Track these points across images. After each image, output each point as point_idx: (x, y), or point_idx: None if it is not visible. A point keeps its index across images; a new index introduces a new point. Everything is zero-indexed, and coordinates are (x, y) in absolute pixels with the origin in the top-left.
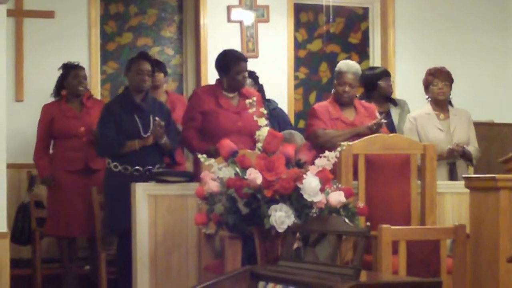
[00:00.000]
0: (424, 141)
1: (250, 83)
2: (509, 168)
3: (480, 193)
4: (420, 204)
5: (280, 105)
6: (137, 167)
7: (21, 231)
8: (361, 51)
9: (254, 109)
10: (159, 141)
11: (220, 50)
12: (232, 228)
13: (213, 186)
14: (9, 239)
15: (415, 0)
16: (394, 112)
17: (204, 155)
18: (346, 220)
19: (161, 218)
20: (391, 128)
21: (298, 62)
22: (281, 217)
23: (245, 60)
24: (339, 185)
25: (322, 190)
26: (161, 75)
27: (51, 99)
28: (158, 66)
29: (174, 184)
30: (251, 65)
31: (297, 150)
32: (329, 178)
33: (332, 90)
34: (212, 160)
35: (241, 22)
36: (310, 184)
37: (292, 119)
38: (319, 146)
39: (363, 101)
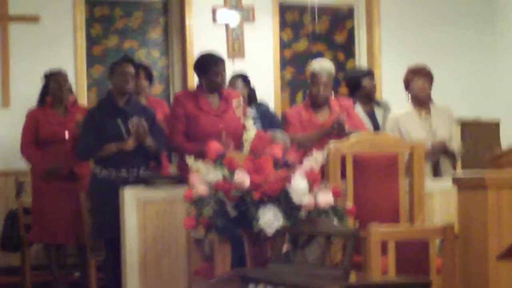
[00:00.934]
0: (406, 140)
1: (241, 86)
2: (498, 164)
3: (468, 192)
4: (409, 202)
5: None
6: (122, 170)
7: (10, 238)
8: (347, 50)
9: (241, 108)
10: (143, 143)
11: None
12: (221, 231)
13: (201, 189)
14: None
15: None
16: (378, 112)
17: (192, 158)
18: (335, 221)
19: (150, 222)
20: (376, 128)
21: (284, 62)
22: (269, 220)
23: (222, 61)
24: (327, 185)
25: (310, 191)
26: (146, 82)
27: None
28: (146, 72)
29: (162, 188)
30: (238, 66)
31: (284, 151)
32: (317, 178)
33: (307, 91)
34: (199, 164)
35: (226, 23)
36: (298, 185)
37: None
38: None
39: (342, 98)
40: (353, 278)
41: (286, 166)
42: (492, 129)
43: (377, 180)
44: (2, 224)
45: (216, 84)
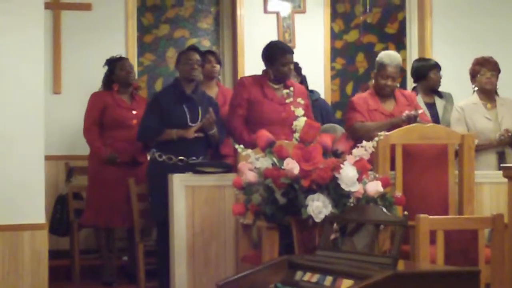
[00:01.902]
0: (472, 130)
1: (293, 74)
2: None
3: None
4: (458, 193)
5: None
6: (181, 158)
7: (59, 222)
8: (398, 41)
9: (291, 99)
10: (209, 131)
11: (257, 41)
12: (270, 218)
13: (250, 176)
14: (48, 230)
15: None
16: (440, 104)
17: (242, 146)
18: (384, 210)
19: (199, 209)
20: (435, 120)
21: (335, 53)
22: (318, 207)
23: (291, 52)
24: (377, 175)
25: (359, 180)
26: (218, 65)
27: (89, 92)
28: (215, 57)
29: (211, 174)
30: None
31: (334, 140)
32: (366, 168)
33: (372, 81)
34: (249, 151)
35: (277, 13)
36: (348, 174)
37: None
38: (358, 138)
39: (403, 90)
40: (401, 266)
41: (335, 155)
42: None
43: (427, 170)
44: (52, 208)
45: (283, 74)
